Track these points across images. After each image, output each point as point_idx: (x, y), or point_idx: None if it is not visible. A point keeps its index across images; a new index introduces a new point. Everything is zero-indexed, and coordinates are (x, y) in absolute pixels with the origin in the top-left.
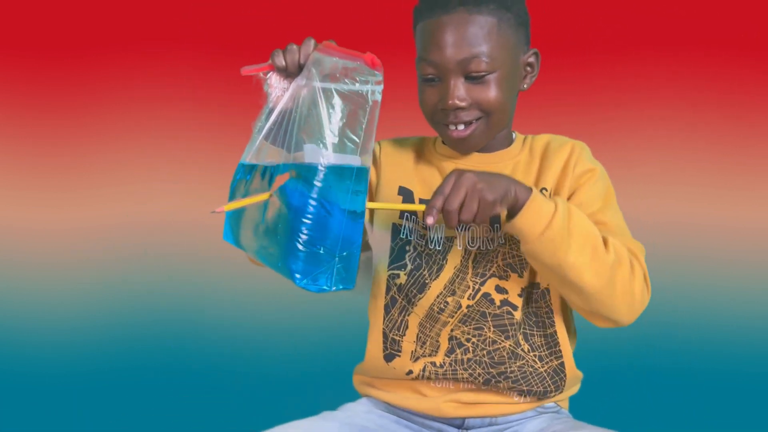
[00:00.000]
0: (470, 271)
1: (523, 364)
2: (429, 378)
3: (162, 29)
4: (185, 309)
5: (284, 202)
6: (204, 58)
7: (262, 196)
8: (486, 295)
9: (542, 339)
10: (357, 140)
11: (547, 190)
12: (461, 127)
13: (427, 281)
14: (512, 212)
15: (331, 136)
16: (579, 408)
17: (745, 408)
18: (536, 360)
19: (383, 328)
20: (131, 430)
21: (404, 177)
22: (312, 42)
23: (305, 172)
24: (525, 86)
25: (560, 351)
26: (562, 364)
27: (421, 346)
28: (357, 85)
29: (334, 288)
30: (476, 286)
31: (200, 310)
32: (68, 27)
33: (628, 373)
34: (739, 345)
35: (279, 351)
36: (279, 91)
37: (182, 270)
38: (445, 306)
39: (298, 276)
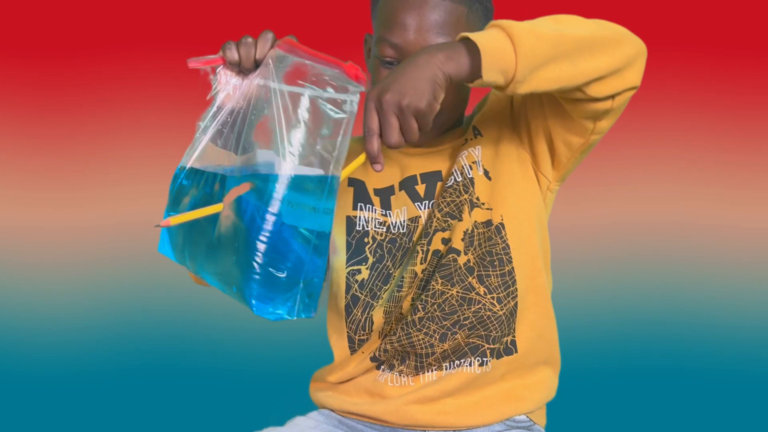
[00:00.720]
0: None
1: (479, 308)
2: (386, 351)
3: (161, 29)
4: (186, 309)
5: (239, 216)
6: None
7: (215, 208)
8: (436, 252)
9: (498, 279)
10: (329, 154)
11: (479, 130)
12: None
13: (391, 271)
14: (468, 78)
15: (296, 146)
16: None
17: (745, 408)
18: (494, 302)
19: (347, 332)
20: (130, 430)
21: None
22: (270, 36)
23: (262, 183)
24: None
25: (517, 291)
26: (516, 304)
27: (387, 323)
28: (333, 93)
29: (296, 317)
30: (425, 248)
31: (200, 310)
32: (68, 27)
33: (625, 374)
34: (740, 345)
35: (279, 352)
36: (229, 87)
37: (183, 270)
38: (402, 281)
39: (254, 302)
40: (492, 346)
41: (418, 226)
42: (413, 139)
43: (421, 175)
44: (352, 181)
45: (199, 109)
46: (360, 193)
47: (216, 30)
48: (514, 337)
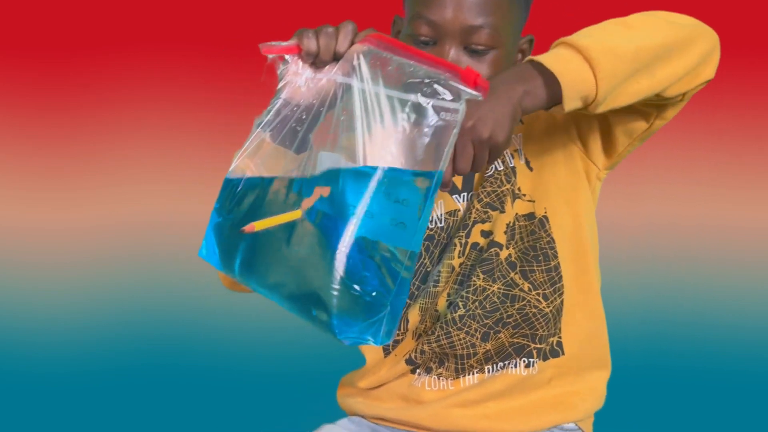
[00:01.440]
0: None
1: (524, 305)
2: (423, 353)
3: (161, 29)
4: (186, 309)
5: (320, 227)
6: (202, 59)
7: (293, 215)
8: (474, 245)
9: (544, 275)
10: (429, 165)
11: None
12: None
13: (429, 269)
14: (545, 108)
15: (389, 155)
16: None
17: (746, 408)
18: (540, 299)
19: None
20: (130, 430)
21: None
22: (352, 27)
23: (349, 193)
24: None
25: (563, 287)
26: (562, 302)
27: (422, 322)
28: (440, 99)
29: (380, 344)
30: (463, 241)
31: (200, 310)
32: (68, 27)
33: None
34: (741, 345)
35: (279, 352)
36: (300, 80)
37: (183, 270)
38: (438, 276)
39: (336, 324)
40: (538, 346)
41: (457, 219)
42: (480, 169)
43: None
44: None
45: (198, 109)
46: None
47: (216, 30)
48: (560, 338)
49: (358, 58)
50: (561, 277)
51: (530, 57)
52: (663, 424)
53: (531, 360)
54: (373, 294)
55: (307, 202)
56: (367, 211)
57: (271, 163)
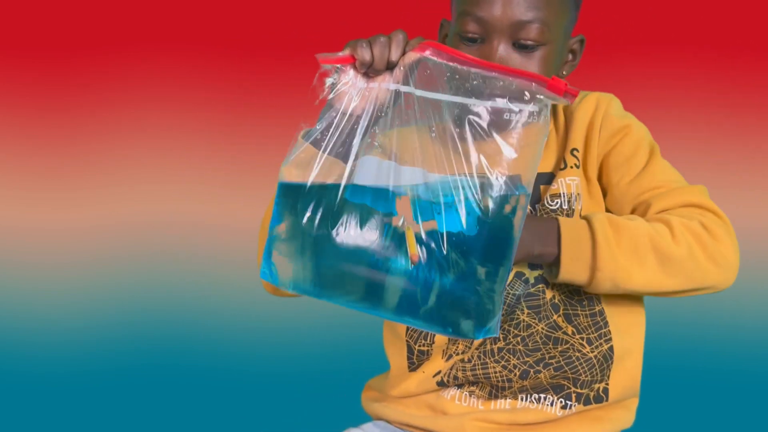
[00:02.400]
0: None
1: (567, 348)
2: (456, 378)
3: (162, 29)
4: (186, 309)
5: (424, 242)
6: (202, 59)
7: (410, 233)
8: (519, 274)
9: (588, 319)
10: (518, 170)
11: (578, 150)
12: None
13: None
14: (547, 265)
15: (475, 163)
16: None
17: (746, 408)
18: (584, 344)
19: (406, 340)
20: (130, 430)
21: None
22: (403, 36)
23: (450, 205)
24: (564, 73)
25: (610, 333)
26: (611, 348)
27: (454, 343)
28: (523, 104)
29: (496, 334)
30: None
31: (200, 310)
32: (68, 27)
33: None
34: (741, 345)
35: (279, 352)
36: (353, 91)
37: (183, 270)
38: None
39: (478, 328)
40: (579, 391)
41: None
42: None
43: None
44: None
45: (199, 109)
46: None
47: (216, 30)
48: (607, 385)
49: (413, 67)
50: (606, 322)
51: (586, 216)
52: (663, 424)
53: (569, 403)
54: (486, 295)
55: (399, 217)
56: (475, 222)
57: (325, 171)
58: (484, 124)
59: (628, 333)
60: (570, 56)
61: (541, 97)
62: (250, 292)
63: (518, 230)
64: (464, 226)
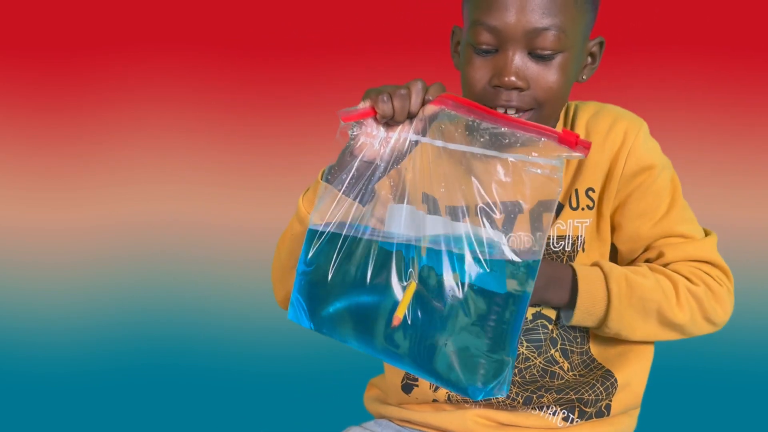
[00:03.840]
0: None
1: (563, 383)
2: (458, 402)
3: (162, 29)
4: (186, 309)
5: (437, 295)
6: (202, 59)
7: (411, 288)
8: None
9: (579, 357)
10: (540, 234)
11: (594, 191)
12: (511, 112)
13: None
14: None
15: (498, 217)
16: None
17: (746, 408)
18: (577, 377)
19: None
20: (130, 430)
21: (427, 180)
22: (421, 85)
23: (459, 260)
24: (584, 77)
25: (601, 365)
26: (608, 372)
27: None
28: (538, 158)
29: (505, 393)
30: None
31: (201, 310)
32: (68, 27)
33: None
34: (740, 345)
35: (279, 352)
36: (375, 142)
37: (183, 270)
38: None
39: (471, 393)
40: (584, 408)
41: None
42: None
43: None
44: (425, 197)
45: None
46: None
47: (216, 30)
48: (610, 402)
49: (433, 119)
50: (593, 359)
51: (602, 268)
52: (662, 423)
53: (572, 416)
54: (498, 357)
55: (414, 271)
56: (498, 279)
57: (349, 217)
58: (502, 178)
59: (628, 363)
60: (589, 59)
61: (562, 153)
62: (250, 292)
63: (529, 293)
64: (477, 279)
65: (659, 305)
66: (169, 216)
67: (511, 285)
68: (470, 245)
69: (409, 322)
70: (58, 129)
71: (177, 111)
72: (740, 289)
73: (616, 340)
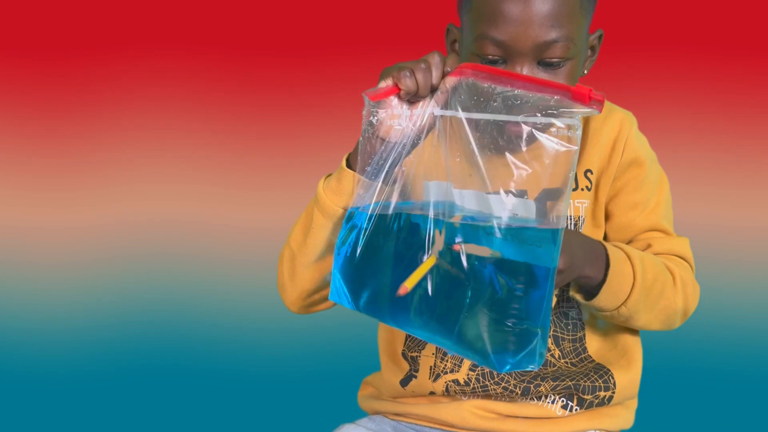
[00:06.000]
0: None
1: (556, 370)
2: (455, 394)
3: (162, 29)
4: (186, 309)
5: (459, 267)
6: (202, 59)
7: (429, 262)
8: None
9: (571, 344)
10: (562, 192)
11: (592, 173)
12: None
13: None
14: (583, 291)
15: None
16: None
17: (745, 408)
18: (569, 366)
19: (402, 353)
20: (130, 430)
21: (429, 167)
22: (440, 57)
23: (489, 231)
24: (585, 71)
25: (592, 357)
26: (599, 365)
27: (441, 359)
28: (555, 119)
29: (537, 366)
30: None
31: (201, 310)
32: (68, 27)
33: None
34: (740, 346)
35: (279, 352)
36: (402, 120)
37: (183, 270)
38: None
39: (497, 364)
40: (582, 396)
41: None
42: None
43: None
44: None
45: (199, 109)
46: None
47: (216, 30)
48: (613, 393)
49: (455, 89)
50: (585, 349)
51: (619, 247)
52: (662, 423)
53: (570, 404)
54: (524, 326)
55: (439, 244)
56: (517, 247)
57: (378, 196)
58: (523, 145)
59: (621, 355)
60: (589, 52)
61: (575, 110)
62: (250, 292)
63: (556, 261)
64: (503, 248)
65: (664, 288)
66: (169, 216)
67: (538, 254)
68: (497, 216)
69: (430, 293)
70: (58, 129)
71: (177, 111)
72: (740, 289)
73: (608, 336)
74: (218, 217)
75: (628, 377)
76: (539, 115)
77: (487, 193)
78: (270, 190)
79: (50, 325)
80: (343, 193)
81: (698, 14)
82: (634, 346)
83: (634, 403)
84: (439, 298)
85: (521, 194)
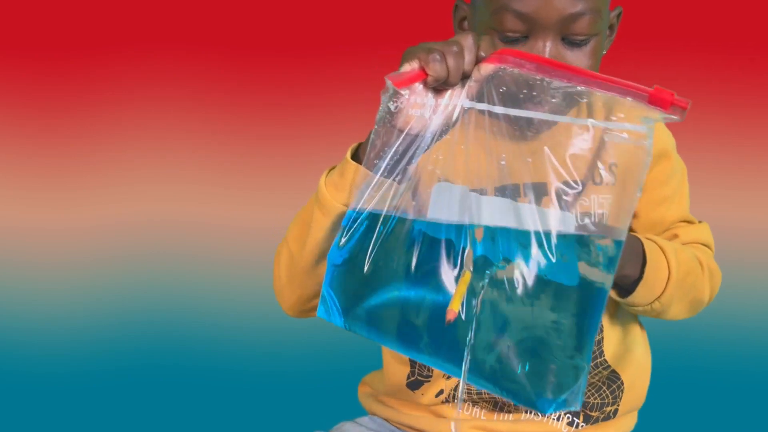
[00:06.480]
0: None
1: None
2: (463, 400)
3: (161, 29)
4: (186, 309)
5: (504, 289)
6: (202, 59)
7: (465, 279)
8: None
9: None
10: (630, 204)
11: (617, 166)
12: None
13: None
14: (617, 288)
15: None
16: None
17: (745, 409)
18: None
19: (409, 361)
20: (130, 430)
21: (447, 166)
22: (473, 39)
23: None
24: (604, 51)
25: (606, 361)
26: (614, 373)
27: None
28: (627, 124)
29: (579, 407)
30: None
31: (201, 310)
32: (68, 27)
33: None
34: (740, 346)
35: (280, 352)
36: (426, 110)
37: (183, 270)
38: None
39: (540, 406)
40: (589, 413)
41: None
42: None
43: (526, 185)
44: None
45: (199, 109)
46: None
47: (216, 30)
48: (618, 407)
49: (491, 79)
50: (602, 352)
51: (653, 240)
52: (662, 423)
53: (577, 421)
54: (572, 361)
55: (469, 260)
56: (575, 270)
57: (384, 196)
58: (578, 149)
59: (631, 361)
60: (608, 31)
61: (652, 115)
62: (250, 292)
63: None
64: (552, 271)
65: (695, 281)
66: (169, 216)
67: (587, 274)
68: (536, 231)
69: (463, 318)
70: (58, 129)
71: (177, 111)
72: (741, 289)
73: (622, 339)
74: (218, 217)
75: (635, 390)
76: (614, 119)
77: (521, 203)
78: (270, 190)
79: (50, 325)
80: (346, 187)
81: (699, 14)
82: (644, 353)
83: (635, 415)
84: (466, 325)
85: (564, 206)
